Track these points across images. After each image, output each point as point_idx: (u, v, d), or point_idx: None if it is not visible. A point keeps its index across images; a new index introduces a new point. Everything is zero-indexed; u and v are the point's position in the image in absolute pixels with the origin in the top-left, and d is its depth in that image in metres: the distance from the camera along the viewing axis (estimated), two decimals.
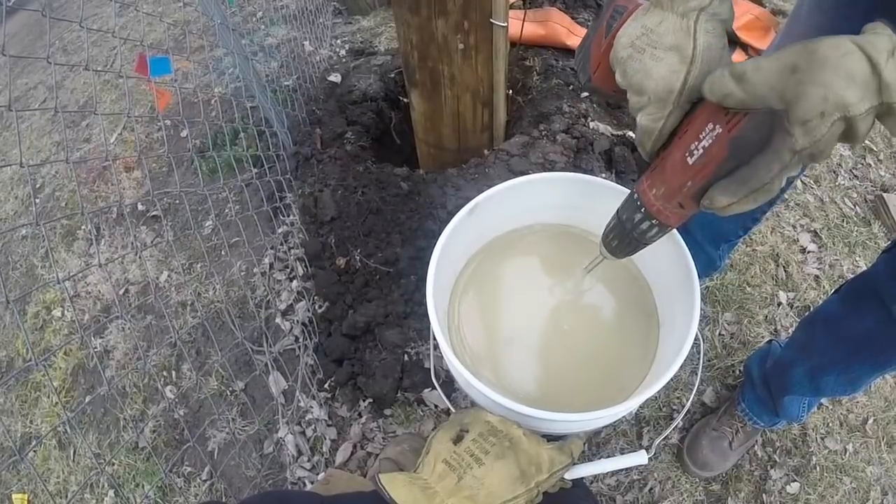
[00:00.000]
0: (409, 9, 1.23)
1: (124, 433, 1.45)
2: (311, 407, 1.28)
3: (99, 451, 1.45)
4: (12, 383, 1.63)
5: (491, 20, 1.22)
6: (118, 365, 1.54)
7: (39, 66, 2.68)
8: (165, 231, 1.73)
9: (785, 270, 1.44)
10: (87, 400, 1.53)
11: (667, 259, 1.02)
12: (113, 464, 1.43)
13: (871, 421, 1.25)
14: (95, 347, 1.58)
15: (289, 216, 1.51)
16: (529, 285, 1.14)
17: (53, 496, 1.42)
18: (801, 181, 1.59)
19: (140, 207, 1.83)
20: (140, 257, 1.69)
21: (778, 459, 1.20)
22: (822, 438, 1.23)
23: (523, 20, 1.83)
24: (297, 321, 1.37)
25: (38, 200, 2.03)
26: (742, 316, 1.37)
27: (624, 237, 0.65)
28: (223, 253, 1.59)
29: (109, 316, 1.64)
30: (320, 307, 1.36)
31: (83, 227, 1.86)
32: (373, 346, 1.27)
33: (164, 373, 1.47)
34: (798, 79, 0.37)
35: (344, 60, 2.06)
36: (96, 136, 2.15)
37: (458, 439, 0.74)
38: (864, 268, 1.42)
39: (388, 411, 1.28)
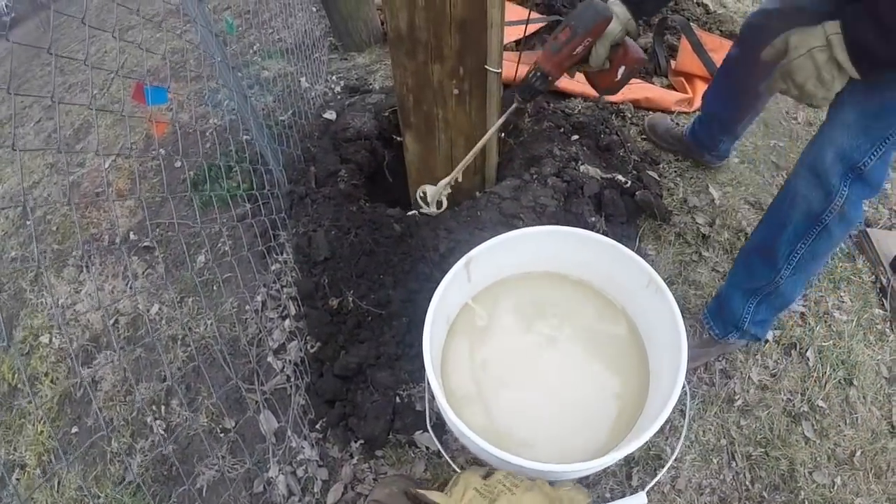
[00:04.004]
0: (406, 53, 1.27)
1: (111, 466, 1.45)
2: (303, 447, 1.29)
3: (84, 482, 1.44)
4: None
5: (485, 66, 1.26)
6: (106, 396, 1.53)
7: (35, 84, 2.68)
8: (157, 263, 1.73)
9: None
10: (73, 430, 1.52)
11: (655, 314, 1.05)
12: (98, 497, 1.41)
13: (858, 453, 1.27)
14: (83, 377, 1.58)
15: (282, 254, 1.53)
16: (522, 330, 1.17)
17: None
18: None
19: (132, 237, 1.84)
20: (131, 288, 1.69)
21: (766, 496, 1.22)
22: (811, 473, 1.25)
23: (518, 63, 1.87)
24: (290, 361, 1.38)
25: (28, 223, 2.03)
26: (730, 355, 1.39)
27: None
28: (215, 288, 1.60)
29: (98, 345, 1.63)
30: (312, 347, 1.37)
31: (74, 254, 1.85)
32: (364, 387, 1.28)
33: (154, 407, 1.47)
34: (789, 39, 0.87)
35: (339, 97, 2.10)
36: (90, 160, 2.16)
37: (487, 475, 0.80)
38: (849, 303, 1.48)
39: (379, 452, 1.29)
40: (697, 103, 1.98)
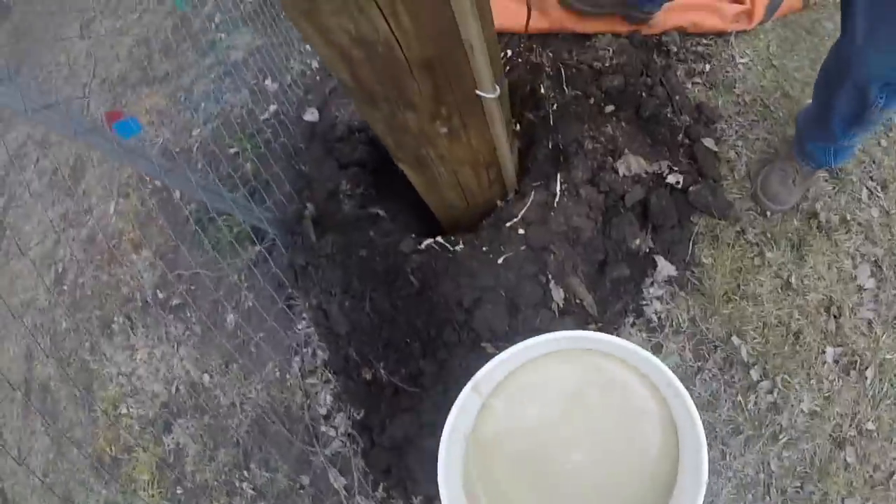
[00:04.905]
0: (364, 102, 1.01)
1: None
2: None
3: None
4: (108, 479, 1.82)
5: (477, 92, 1.00)
6: (193, 462, 1.67)
7: (22, 118, 2.56)
8: (192, 324, 1.75)
9: (836, 320, 1.31)
10: (178, 491, 1.70)
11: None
12: None
13: None
14: (168, 445, 1.72)
15: (303, 316, 1.50)
16: (547, 426, 1.05)
17: None
18: (867, 188, 1.41)
19: (160, 295, 1.85)
20: (178, 352, 1.75)
21: None
22: (843, 499, 1.21)
23: (528, 16, 1.51)
24: (340, 432, 1.42)
25: (65, 288, 2.07)
26: (786, 382, 1.29)
27: None
28: (253, 350, 1.62)
29: (170, 412, 1.74)
30: (358, 415, 1.40)
31: (116, 319, 1.91)
32: (416, 455, 1.32)
33: (236, 471, 1.60)
34: None
35: (318, 80, 1.85)
36: (95, 205, 2.11)
37: None
38: None
39: None
40: (759, 16, 1.53)
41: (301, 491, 1.52)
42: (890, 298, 1.32)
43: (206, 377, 1.68)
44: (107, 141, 1.09)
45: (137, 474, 1.76)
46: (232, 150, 1.88)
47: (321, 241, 1.43)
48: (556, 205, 1.28)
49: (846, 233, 1.36)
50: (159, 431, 1.76)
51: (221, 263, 1.72)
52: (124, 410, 1.83)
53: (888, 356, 1.27)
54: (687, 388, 0.90)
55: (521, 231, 1.28)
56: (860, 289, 1.33)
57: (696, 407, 0.86)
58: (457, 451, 1.04)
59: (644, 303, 1.34)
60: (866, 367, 1.27)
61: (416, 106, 0.99)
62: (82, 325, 1.98)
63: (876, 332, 1.30)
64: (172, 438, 1.72)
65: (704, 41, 1.59)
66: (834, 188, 1.40)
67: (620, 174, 1.31)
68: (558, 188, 1.30)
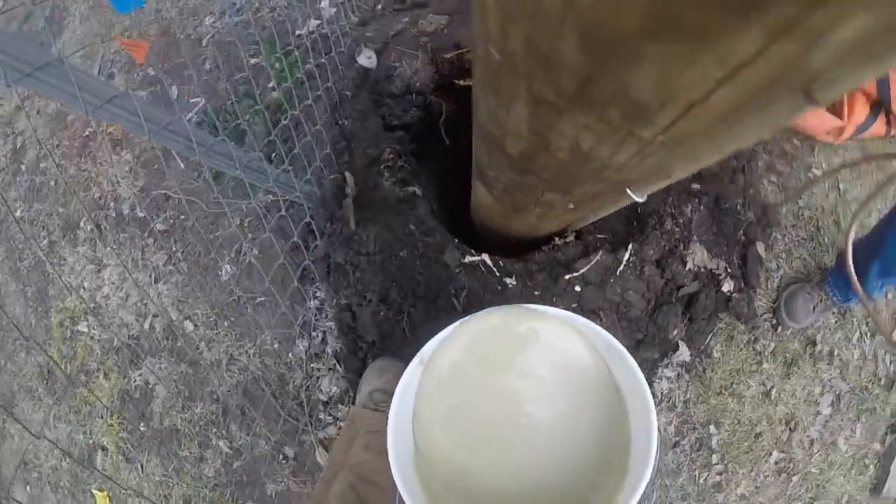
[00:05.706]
0: (510, 168, 0.77)
1: (186, 464, 1.57)
2: None
3: (166, 472, 1.59)
4: (61, 394, 1.69)
5: (627, 190, 0.86)
6: (163, 406, 1.57)
7: None
8: (178, 260, 1.55)
9: (791, 432, 1.44)
10: (141, 427, 1.60)
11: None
12: (181, 485, 1.58)
13: None
14: (135, 380, 1.59)
15: (317, 296, 1.35)
16: (492, 384, 1.01)
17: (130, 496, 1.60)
18: (861, 331, 1.50)
19: (139, 213, 1.61)
20: (156, 286, 1.56)
21: None
22: None
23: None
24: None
25: (23, 167, 1.77)
26: (732, 474, 1.43)
27: None
28: (249, 310, 1.47)
29: (140, 346, 1.60)
30: None
31: (83, 225, 1.66)
32: None
33: (213, 428, 1.51)
34: None
35: (380, 13, 1.53)
36: None
37: None
38: (859, 436, 1.48)
39: None
40: (848, 134, 1.47)
41: (283, 461, 1.47)
42: (834, 427, 1.46)
43: (190, 324, 1.53)
44: (128, 113, 0.83)
45: (94, 399, 1.64)
46: (253, 61, 1.58)
47: (360, 231, 1.25)
48: (618, 273, 1.20)
49: (828, 364, 1.47)
50: (125, 362, 1.62)
51: (223, 199, 1.50)
52: (83, 329, 1.66)
53: (813, 470, 1.44)
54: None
55: (577, 288, 1.20)
56: (818, 413, 1.46)
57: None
58: (406, 424, 0.99)
59: (655, 379, 1.40)
60: (795, 474, 1.43)
61: (569, 194, 0.81)
62: (41, 219, 1.72)
63: (813, 450, 1.45)
64: (140, 376, 1.59)
65: (794, 141, 1.56)
66: (836, 322, 1.50)
67: (686, 267, 1.26)
68: (626, 257, 1.21)
